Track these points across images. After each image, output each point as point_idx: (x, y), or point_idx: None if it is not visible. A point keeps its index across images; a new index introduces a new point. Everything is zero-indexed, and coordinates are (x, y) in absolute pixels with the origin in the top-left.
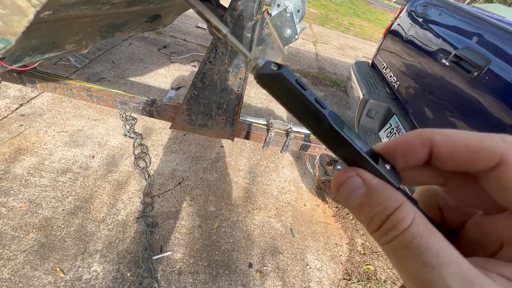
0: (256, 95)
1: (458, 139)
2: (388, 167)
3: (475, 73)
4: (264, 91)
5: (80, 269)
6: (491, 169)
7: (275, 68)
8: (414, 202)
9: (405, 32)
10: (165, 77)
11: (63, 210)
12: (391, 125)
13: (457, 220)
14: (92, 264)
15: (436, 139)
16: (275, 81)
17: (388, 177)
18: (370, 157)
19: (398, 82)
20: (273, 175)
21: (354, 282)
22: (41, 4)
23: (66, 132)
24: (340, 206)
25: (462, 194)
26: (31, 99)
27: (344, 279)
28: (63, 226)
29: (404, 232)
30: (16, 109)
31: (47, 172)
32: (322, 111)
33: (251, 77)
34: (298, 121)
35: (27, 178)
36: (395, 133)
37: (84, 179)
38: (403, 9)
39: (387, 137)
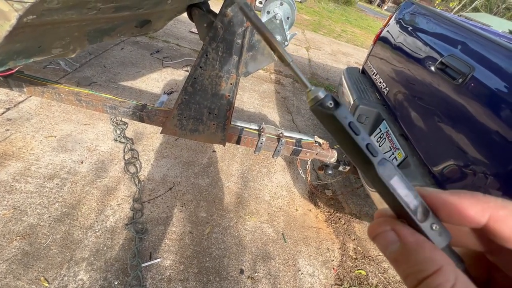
0: (248, 100)
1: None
2: (435, 226)
3: (460, 80)
4: (256, 96)
5: (66, 278)
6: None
7: (331, 106)
8: (459, 261)
9: (394, 39)
10: (158, 81)
11: (49, 217)
12: (381, 130)
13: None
14: (78, 272)
15: (499, 215)
16: (328, 118)
17: (431, 235)
18: (418, 211)
19: (387, 88)
20: (265, 180)
21: (346, 287)
22: (24, 8)
23: (54, 137)
24: (332, 211)
25: None
26: (19, 103)
27: (336, 284)
28: (48, 234)
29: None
30: (3, 113)
31: (33, 178)
32: (371, 159)
33: (242, 82)
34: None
35: (12, 184)
36: (384, 138)
37: (72, 185)
38: (392, 16)
39: (377, 142)
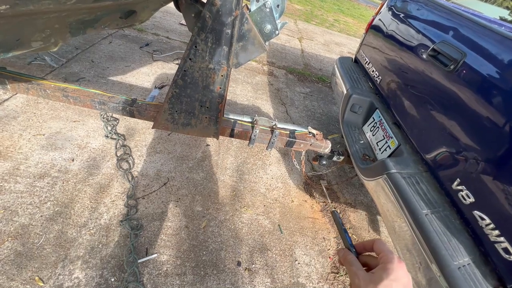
0: (242, 93)
1: (365, 243)
2: (354, 251)
3: (452, 67)
4: (249, 88)
5: (61, 276)
6: (373, 245)
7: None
8: (357, 257)
9: (386, 27)
10: (148, 75)
11: (41, 216)
12: (374, 119)
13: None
14: (73, 271)
15: (365, 246)
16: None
17: (355, 254)
18: (352, 247)
19: (380, 77)
20: (261, 172)
21: (342, 275)
22: None
23: (43, 135)
24: (327, 201)
25: (364, 262)
26: (4, 101)
27: (332, 272)
28: (41, 233)
29: (351, 265)
30: None
31: (22, 178)
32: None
33: (234, 74)
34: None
35: (1, 184)
36: (378, 127)
37: (63, 183)
38: (383, 4)
39: (371, 131)
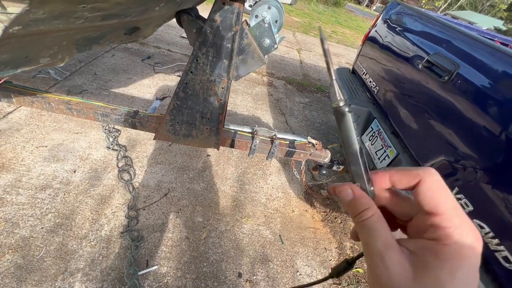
0: (242, 103)
1: (399, 172)
2: (371, 187)
3: (446, 77)
4: (249, 98)
5: None
6: (416, 185)
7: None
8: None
9: (382, 39)
10: (150, 87)
11: (42, 228)
12: (372, 129)
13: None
14: (73, 283)
15: (391, 174)
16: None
17: (369, 193)
18: (367, 180)
19: (377, 87)
20: (261, 182)
21: (344, 286)
22: (9, 19)
23: (46, 146)
24: (328, 210)
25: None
26: (8, 113)
27: (334, 283)
28: (42, 246)
29: (364, 220)
30: None
31: (24, 189)
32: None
33: (234, 85)
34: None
35: (3, 196)
36: (376, 136)
37: (65, 195)
38: (379, 17)
39: (369, 140)
